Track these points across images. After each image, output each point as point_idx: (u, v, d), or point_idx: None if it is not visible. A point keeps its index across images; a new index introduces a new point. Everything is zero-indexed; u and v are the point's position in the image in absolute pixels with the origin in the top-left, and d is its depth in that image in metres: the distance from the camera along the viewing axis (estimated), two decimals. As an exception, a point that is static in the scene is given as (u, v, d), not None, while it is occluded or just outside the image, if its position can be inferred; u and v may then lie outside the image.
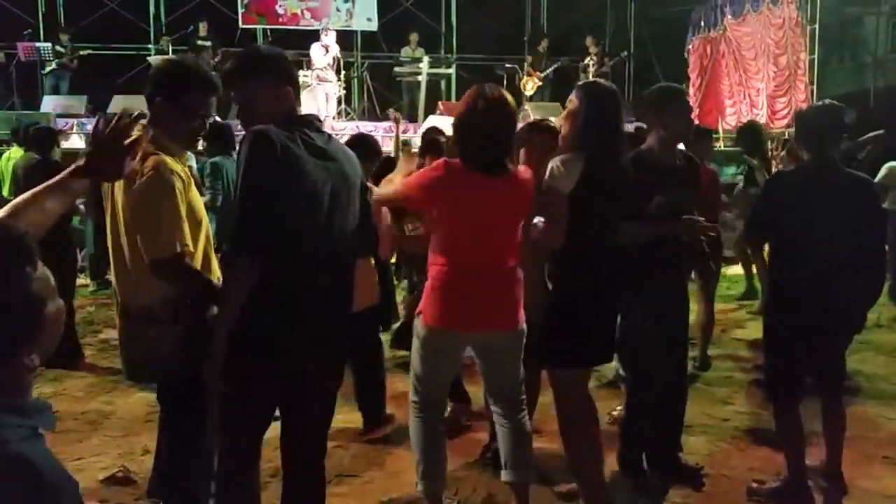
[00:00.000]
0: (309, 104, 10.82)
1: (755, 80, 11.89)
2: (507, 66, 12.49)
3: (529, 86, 12.06)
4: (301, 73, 11.33)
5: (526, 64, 12.52)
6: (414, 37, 12.45)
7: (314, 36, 11.75)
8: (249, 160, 2.04)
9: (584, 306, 2.80)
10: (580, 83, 3.06)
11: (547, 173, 2.73)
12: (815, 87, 10.79)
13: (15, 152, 7.19)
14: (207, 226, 2.41)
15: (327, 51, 11.11)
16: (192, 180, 2.34)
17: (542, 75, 12.13)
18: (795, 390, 3.09)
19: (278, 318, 2.13)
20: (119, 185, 2.25)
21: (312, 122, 2.25)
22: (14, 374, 1.12)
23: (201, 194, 5.43)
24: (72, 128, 9.87)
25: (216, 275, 2.38)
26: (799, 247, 2.95)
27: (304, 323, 2.17)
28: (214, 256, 2.43)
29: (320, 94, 10.86)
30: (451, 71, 13.28)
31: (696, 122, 12.24)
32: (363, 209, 2.37)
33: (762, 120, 11.23)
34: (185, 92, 2.28)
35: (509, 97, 2.67)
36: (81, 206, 5.79)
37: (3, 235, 1.12)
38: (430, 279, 2.72)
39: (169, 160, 2.24)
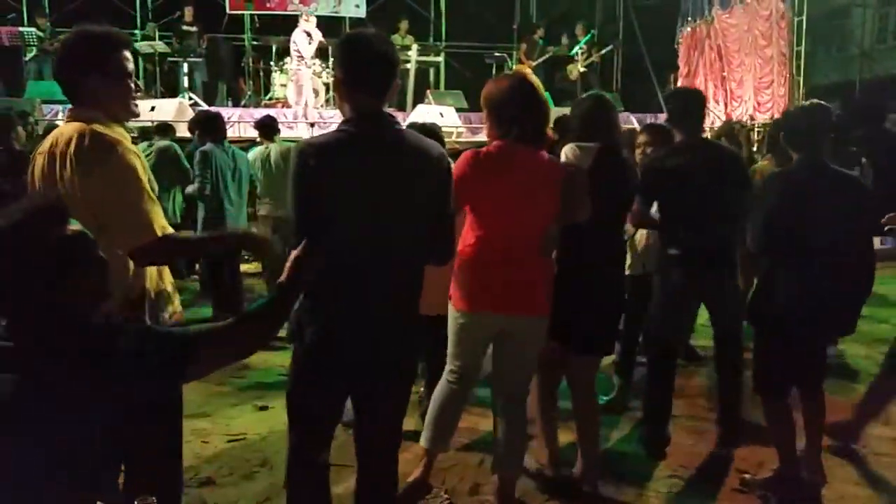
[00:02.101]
0: (295, 92, 10.77)
1: (738, 72, 11.93)
2: (497, 54, 12.47)
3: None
4: (289, 59, 11.31)
5: (517, 52, 12.51)
6: (403, 24, 12.38)
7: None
8: (292, 172, 2.11)
9: (583, 289, 2.94)
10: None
11: (564, 156, 2.93)
12: (801, 78, 10.85)
13: None
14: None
15: (311, 38, 10.99)
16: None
17: (535, 64, 12.12)
18: (785, 387, 3.13)
19: (326, 319, 2.16)
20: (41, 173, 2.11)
21: (378, 118, 2.15)
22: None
23: (192, 180, 5.42)
24: (56, 114, 9.78)
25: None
26: (794, 249, 2.95)
27: (351, 328, 2.15)
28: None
29: (306, 82, 10.77)
30: (440, 59, 13.24)
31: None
32: (438, 212, 2.22)
33: (747, 112, 11.30)
34: (104, 61, 2.13)
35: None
36: None
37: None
38: (460, 262, 2.75)
39: (127, 141, 2.13)
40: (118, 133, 2.17)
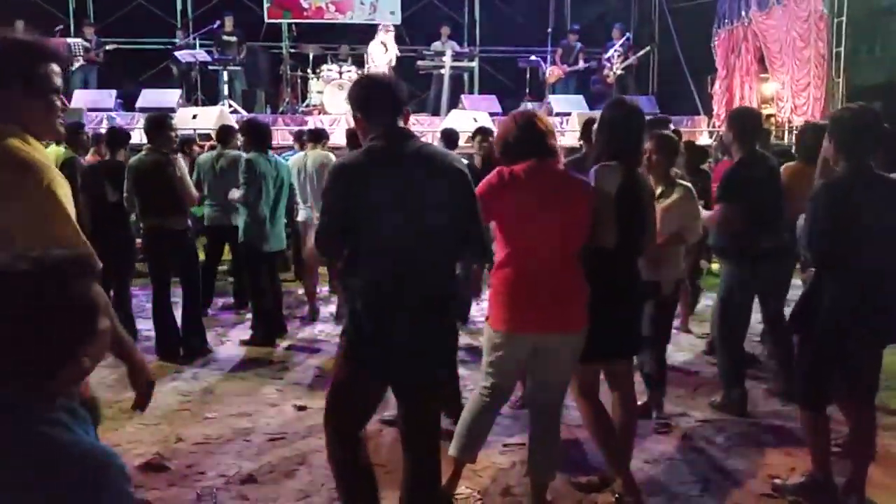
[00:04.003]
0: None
1: (779, 74, 11.77)
2: (531, 58, 12.49)
3: (553, 79, 12.09)
4: (325, 66, 11.52)
5: (552, 56, 12.51)
6: (445, 30, 12.50)
7: (339, 30, 11.82)
8: (326, 186, 2.45)
9: (609, 303, 2.91)
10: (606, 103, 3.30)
11: (593, 178, 2.93)
12: (842, 80, 10.66)
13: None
14: None
15: (386, 49, 11.13)
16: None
17: (570, 69, 12.13)
18: (826, 398, 3.08)
19: (359, 323, 2.44)
20: None
21: (400, 131, 2.46)
22: (73, 375, 1.24)
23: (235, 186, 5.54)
24: (101, 122, 10.12)
25: None
26: (847, 258, 2.88)
27: (391, 327, 2.41)
28: None
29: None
30: (475, 64, 13.30)
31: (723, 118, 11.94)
32: (464, 214, 2.48)
33: (786, 114, 11.15)
34: (26, 73, 1.87)
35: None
36: None
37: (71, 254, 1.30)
38: (494, 284, 2.83)
39: (46, 160, 1.88)
40: (40, 152, 1.92)
